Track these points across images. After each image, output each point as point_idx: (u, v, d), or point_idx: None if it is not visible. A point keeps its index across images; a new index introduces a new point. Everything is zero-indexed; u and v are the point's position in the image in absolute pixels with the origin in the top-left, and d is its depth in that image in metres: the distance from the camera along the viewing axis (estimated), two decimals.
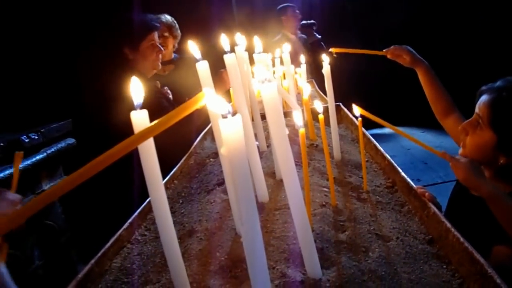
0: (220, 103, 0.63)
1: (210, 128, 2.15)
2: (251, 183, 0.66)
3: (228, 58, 1.24)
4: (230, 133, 0.62)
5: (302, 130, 1.11)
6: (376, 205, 1.40)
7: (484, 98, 1.52)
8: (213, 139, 2.28)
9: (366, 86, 7.15)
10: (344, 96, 2.80)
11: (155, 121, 0.62)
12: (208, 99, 0.63)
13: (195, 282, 1.03)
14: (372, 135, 2.02)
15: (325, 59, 1.86)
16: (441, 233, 1.19)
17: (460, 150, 1.60)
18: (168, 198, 1.65)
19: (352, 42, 7.11)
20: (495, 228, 1.36)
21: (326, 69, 1.88)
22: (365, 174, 1.55)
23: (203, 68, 1.18)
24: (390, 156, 1.74)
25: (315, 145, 1.96)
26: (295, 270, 0.98)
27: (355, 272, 0.99)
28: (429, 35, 7.23)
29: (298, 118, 1.13)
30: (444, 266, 1.09)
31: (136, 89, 0.87)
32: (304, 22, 6.01)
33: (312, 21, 6.25)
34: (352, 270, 1.00)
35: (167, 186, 1.75)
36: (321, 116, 1.41)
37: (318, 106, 1.54)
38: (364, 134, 2.05)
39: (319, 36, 6.15)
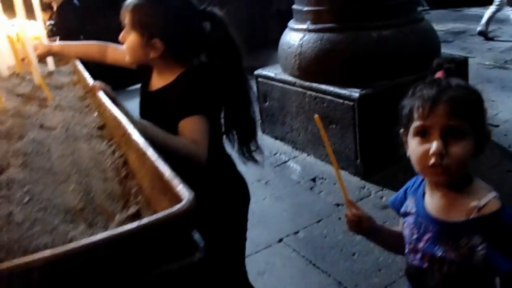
0: None
1: None
2: None
3: None
4: None
5: None
6: (55, 108, 1.41)
7: (124, 4, 1.68)
8: None
9: None
10: None
11: None
12: None
13: None
14: None
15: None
16: (111, 118, 1.23)
17: (127, 58, 1.74)
18: None
19: None
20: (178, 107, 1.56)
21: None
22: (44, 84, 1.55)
23: None
24: None
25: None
26: None
27: None
28: None
29: None
30: (105, 141, 1.14)
31: None
32: None
33: None
34: None
35: None
36: None
37: None
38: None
39: None
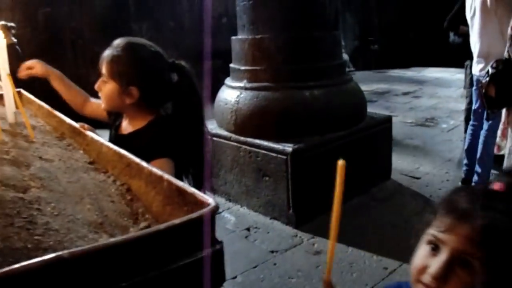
0: None
1: None
2: None
3: None
4: None
5: None
6: (43, 144, 1.59)
7: (103, 56, 1.89)
8: None
9: None
10: None
11: None
12: None
13: None
14: None
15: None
16: (99, 151, 1.44)
17: (102, 105, 1.97)
18: None
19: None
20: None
21: None
22: (28, 122, 1.72)
23: None
24: None
25: None
26: None
27: (15, 175, 1.18)
28: None
29: None
30: (101, 173, 1.35)
31: None
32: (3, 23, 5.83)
33: (11, 23, 6.08)
34: (13, 174, 1.18)
35: None
36: None
37: None
38: (33, 101, 2.24)
39: (15, 40, 6.02)
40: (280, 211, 4.02)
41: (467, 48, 4.53)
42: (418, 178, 4.91)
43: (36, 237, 0.95)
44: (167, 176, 1.06)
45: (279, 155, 3.91)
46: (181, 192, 0.98)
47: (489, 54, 4.00)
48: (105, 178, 1.31)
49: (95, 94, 2.04)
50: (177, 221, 0.81)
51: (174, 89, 1.93)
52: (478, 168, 4.33)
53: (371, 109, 5.03)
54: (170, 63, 1.93)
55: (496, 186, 1.00)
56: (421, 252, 1.02)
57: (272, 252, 3.58)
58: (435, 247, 0.98)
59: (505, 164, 3.70)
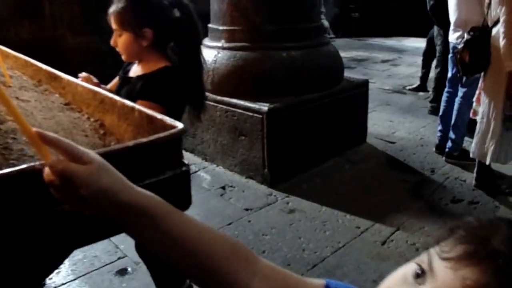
0: None
1: None
2: None
3: None
4: None
5: None
6: (20, 89, 1.64)
7: (109, 13, 2.00)
8: None
9: None
10: None
11: None
12: None
13: None
14: None
15: None
16: (74, 92, 1.50)
17: (123, 56, 2.08)
18: None
19: None
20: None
21: None
22: (5, 69, 1.76)
23: None
24: None
25: None
26: None
27: None
28: None
29: None
30: (76, 112, 1.41)
31: None
32: None
33: None
34: None
35: None
36: None
37: None
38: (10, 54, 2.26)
39: None
40: (256, 170, 4.11)
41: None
42: (393, 143, 5.06)
43: (11, 161, 1.02)
44: (138, 106, 1.12)
45: (255, 114, 3.98)
46: (151, 119, 1.04)
47: (467, 23, 4.07)
48: (79, 115, 1.37)
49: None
50: (144, 139, 0.87)
51: (177, 24, 2.02)
52: (452, 134, 4.46)
53: (349, 75, 5.11)
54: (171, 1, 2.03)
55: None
56: (402, 271, 0.69)
57: (247, 210, 3.68)
58: (421, 273, 0.65)
59: (477, 129, 3.83)
